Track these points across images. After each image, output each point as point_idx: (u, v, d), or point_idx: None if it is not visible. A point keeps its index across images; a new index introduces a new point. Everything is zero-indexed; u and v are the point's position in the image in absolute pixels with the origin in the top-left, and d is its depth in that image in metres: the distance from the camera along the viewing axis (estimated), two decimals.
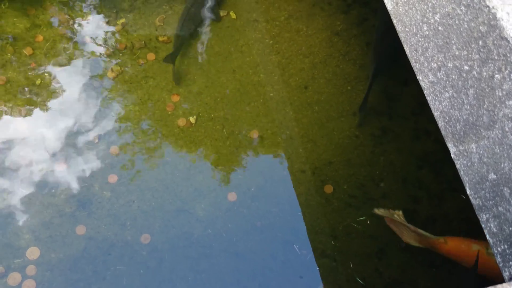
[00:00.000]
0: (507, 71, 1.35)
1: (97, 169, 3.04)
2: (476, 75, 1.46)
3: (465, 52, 1.49)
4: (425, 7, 1.64)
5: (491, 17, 1.36)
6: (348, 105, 3.29)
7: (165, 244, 2.88)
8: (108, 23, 3.37)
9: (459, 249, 2.43)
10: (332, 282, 2.83)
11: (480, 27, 1.41)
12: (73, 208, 2.93)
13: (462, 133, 1.57)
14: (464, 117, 1.55)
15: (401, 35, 1.80)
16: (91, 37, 3.33)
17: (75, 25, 3.37)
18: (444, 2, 1.55)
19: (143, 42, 3.32)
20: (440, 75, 1.62)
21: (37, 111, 3.14)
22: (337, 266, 2.87)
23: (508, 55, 1.32)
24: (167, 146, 3.16)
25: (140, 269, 2.82)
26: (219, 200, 3.02)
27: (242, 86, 3.32)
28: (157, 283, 2.78)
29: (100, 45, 3.32)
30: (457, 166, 1.64)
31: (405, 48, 1.80)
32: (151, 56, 3.31)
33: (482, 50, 1.41)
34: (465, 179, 1.60)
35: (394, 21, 1.82)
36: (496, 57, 1.38)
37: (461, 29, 1.49)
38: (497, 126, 1.41)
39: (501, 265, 1.46)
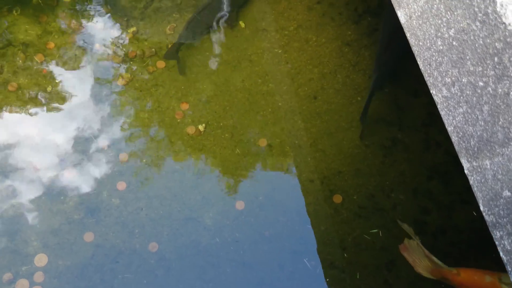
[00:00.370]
0: None
1: (106, 176, 3.05)
2: (491, 92, 1.45)
3: (480, 68, 1.48)
4: (440, 21, 1.63)
5: (507, 34, 1.35)
6: (357, 115, 3.28)
7: (173, 252, 2.88)
8: (119, 31, 3.38)
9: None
10: None
11: (496, 44, 1.40)
12: (81, 215, 2.94)
13: (476, 149, 1.56)
14: (478, 133, 1.53)
15: (415, 49, 1.79)
16: (101, 45, 3.35)
17: (86, 33, 3.38)
18: (459, 18, 1.54)
19: (153, 50, 3.34)
20: (454, 90, 1.61)
21: (47, 118, 3.15)
22: (345, 278, 2.85)
23: None
24: (176, 154, 3.16)
25: (147, 278, 2.82)
26: (227, 209, 3.02)
27: (251, 95, 3.32)
28: None
29: (111, 52, 3.34)
30: (471, 182, 1.63)
31: (418, 62, 1.79)
32: (161, 64, 3.32)
33: (497, 66, 1.40)
34: (478, 195, 1.58)
35: (408, 35, 1.82)
36: None
37: (476, 45, 1.48)
38: None
39: None
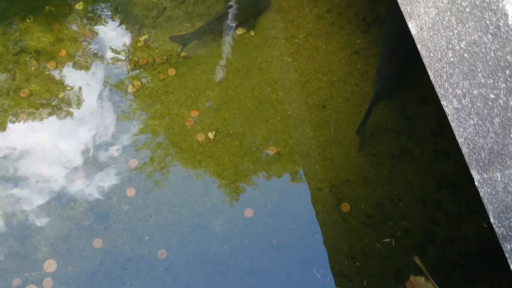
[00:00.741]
0: None
1: (116, 182, 3.07)
2: (502, 104, 1.46)
3: (491, 81, 1.49)
4: (451, 33, 1.64)
5: None
6: (367, 123, 3.28)
7: (181, 260, 2.89)
8: (130, 39, 3.42)
9: None
10: None
11: (508, 57, 1.40)
12: (90, 221, 2.95)
13: (486, 161, 1.56)
14: (489, 145, 1.54)
15: (425, 60, 1.80)
16: (113, 52, 3.39)
17: (98, 41, 3.42)
18: (470, 30, 1.55)
19: (164, 57, 3.37)
20: (465, 102, 1.61)
21: (58, 124, 3.18)
22: (353, 287, 2.84)
23: None
24: (185, 160, 3.18)
25: (155, 285, 2.83)
26: (236, 216, 3.03)
27: (260, 103, 3.34)
28: None
29: (122, 60, 3.37)
30: (481, 194, 1.63)
31: (429, 73, 1.79)
32: (171, 72, 3.35)
33: (509, 79, 1.41)
34: (488, 207, 1.58)
35: (418, 46, 1.83)
36: None
37: (488, 58, 1.49)
38: None
39: None
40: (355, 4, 3.59)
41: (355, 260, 2.91)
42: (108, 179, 3.07)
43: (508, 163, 1.46)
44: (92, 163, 3.10)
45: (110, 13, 3.50)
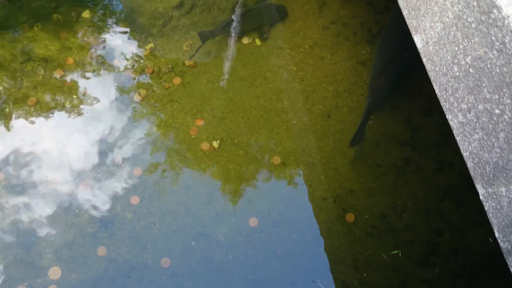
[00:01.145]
0: None
1: (120, 190, 3.08)
2: (507, 119, 1.47)
3: (497, 96, 1.50)
4: (456, 48, 1.65)
5: None
6: (371, 134, 3.29)
7: (185, 268, 2.89)
8: (137, 47, 3.44)
9: None
10: None
11: None
12: (95, 228, 2.97)
13: (491, 175, 1.57)
14: (494, 160, 1.54)
15: (431, 74, 1.81)
16: (120, 61, 3.41)
17: (105, 49, 3.45)
18: (476, 46, 1.56)
19: (170, 66, 3.39)
20: (470, 117, 1.62)
21: (64, 132, 3.20)
22: None
23: None
24: (190, 169, 3.19)
25: None
26: (240, 225, 3.03)
27: (265, 112, 3.35)
28: None
29: (128, 68, 3.39)
30: (486, 208, 1.63)
31: (434, 87, 1.80)
32: (177, 81, 3.37)
33: None
34: (493, 221, 1.59)
35: (424, 60, 1.84)
36: None
37: (493, 73, 1.50)
38: None
39: None
40: (361, 15, 3.61)
41: (359, 271, 2.91)
42: (112, 187, 3.08)
43: None
44: (97, 171, 3.12)
45: (117, 21, 3.53)
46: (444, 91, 1.73)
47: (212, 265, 2.90)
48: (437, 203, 3.10)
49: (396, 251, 2.96)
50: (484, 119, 1.56)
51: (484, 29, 1.52)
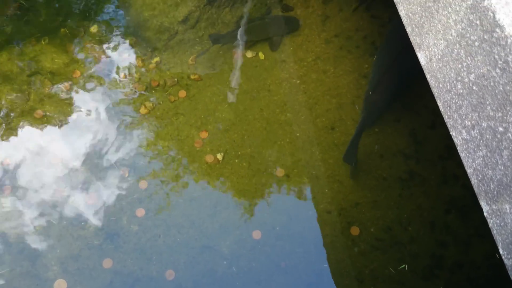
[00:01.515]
0: None
1: (126, 203, 3.10)
2: (511, 137, 1.48)
3: (500, 114, 1.51)
4: (460, 66, 1.67)
5: None
6: (375, 146, 3.30)
7: (189, 281, 2.90)
8: (143, 61, 3.48)
9: None
10: None
11: None
12: (101, 240, 2.98)
13: (495, 192, 1.58)
14: (498, 177, 1.55)
15: (434, 90, 1.83)
16: (126, 74, 3.44)
17: (111, 63, 3.49)
18: (479, 64, 1.58)
19: (175, 79, 3.42)
20: (474, 134, 1.64)
21: (70, 145, 3.23)
22: None
23: None
24: (194, 181, 3.21)
25: None
26: (244, 238, 3.04)
27: (269, 124, 3.37)
28: None
29: (134, 82, 3.43)
30: (490, 225, 1.64)
31: (438, 103, 1.82)
32: (182, 93, 3.40)
33: None
34: (497, 238, 1.59)
35: (428, 76, 1.86)
36: None
37: (496, 91, 1.52)
38: None
39: None
40: (364, 28, 3.63)
41: (364, 284, 2.91)
42: (118, 200, 3.10)
43: None
44: (103, 183, 3.14)
45: (123, 35, 3.57)
46: (448, 108, 1.75)
47: (216, 277, 2.91)
48: (442, 216, 3.10)
49: (403, 266, 2.95)
50: (488, 136, 1.58)
51: (487, 48, 1.54)
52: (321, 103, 3.44)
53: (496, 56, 1.51)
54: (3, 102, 3.28)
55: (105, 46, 3.52)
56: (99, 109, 3.34)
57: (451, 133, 1.77)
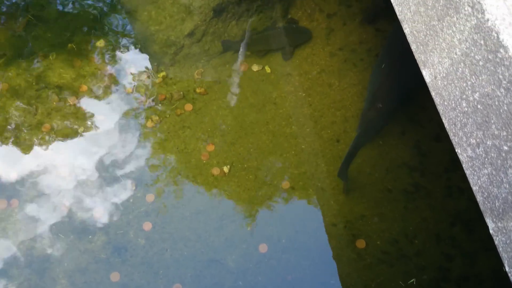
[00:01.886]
0: None
1: (133, 216, 3.13)
2: None
3: (505, 133, 1.53)
4: (464, 84, 1.69)
5: None
6: (380, 159, 3.32)
7: None
8: (149, 75, 3.52)
9: None
10: None
11: None
12: (108, 254, 3.00)
13: (501, 210, 1.59)
14: (503, 195, 1.57)
15: (439, 108, 1.85)
16: (132, 88, 3.48)
17: (118, 77, 3.52)
18: (483, 83, 1.60)
19: (181, 93, 3.45)
20: (479, 152, 1.65)
21: (78, 158, 3.26)
22: None
23: None
24: (201, 194, 3.23)
25: None
26: (250, 251, 3.06)
27: (275, 137, 3.39)
28: None
29: (141, 96, 3.46)
30: (496, 242, 1.65)
31: (443, 121, 1.84)
32: (188, 107, 3.43)
33: None
34: (503, 255, 1.60)
35: (433, 94, 1.88)
36: None
37: (501, 110, 1.54)
38: None
39: None
40: (368, 41, 3.66)
41: None
42: (125, 213, 3.13)
43: None
44: (110, 196, 3.16)
45: (130, 50, 3.61)
46: (453, 125, 1.76)
47: None
48: (447, 228, 3.11)
49: (412, 280, 2.96)
50: (493, 154, 1.59)
51: (492, 67, 1.56)
52: (326, 115, 3.47)
53: (501, 76, 1.53)
54: (11, 116, 3.32)
55: (111, 60, 3.56)
56: (106, 122, 3.37)
57: (456, 150, 1.78)
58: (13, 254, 2.96)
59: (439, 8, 1.79)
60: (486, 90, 1.59)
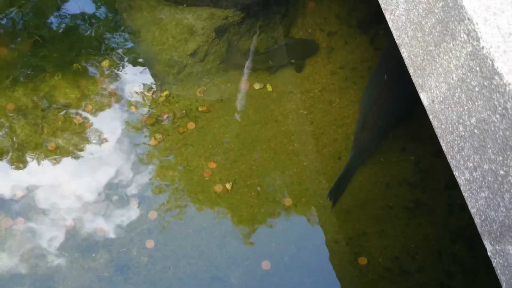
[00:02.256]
0: None
1: (136, 234, 3.15)
2: (511, 181, 1.53)
3: (501, 158, 1.56)
4: (461, 109, 1.73)
5: None
6: (381, 176, 3.35)
7: None
8: (153, 94, 3.57)
9: None
10: None
11: None
12: (111, 272, 3.03)
13: (498, 233, 1.62)
14: (500, 218, 1.60)
15: (437, 131, 1.88)
16: (136, 107, 3.53)
17: (122, 96, 3.58)
18: (479, 108, 1.64)
19: (184, 111, 3.50)
20: (476, 175, 1.69)
21: (83, 177, 3.30)
22: None
23: None
24: (203, 211, 3.26)
25: None
26: (253, 269, 3.07)
27: (277, 154, 3.43)
28: None
29: (145, 114, 3.51)
30: (494, 264, 1.68)
31: (441, 144, 1.87)
32: (191, 125, 3.47)
33: None
34: (501, 278, 1.63)
35: (430, 117, 1.91)
36: None
37: (497, 136, 1.57)
38: None
39: None
40: (368, 59, 3.71)
41: None
42: (128, 231, 3.15)
43: None
44: (113, 214, 3.20)
45: (134, 70, 3.67)
46: (451, 149, 1.80)
47: None
48: (449, 245, 3.13)
49: None
50: (489, 178, 1.62)
51: (487, 94, 1.60)
52: (328, 133, 3.51)
53: (496, 102, 1.56)
54: (18, 136, 3.37)
55: (116, 80, 3.61)
56: (110, 141, 3.42)
57: (454, 173, 1.82)
58: (18, 272, 2.99)
59: (436, 34, 1.84)
60: (482, 115, 1.62)
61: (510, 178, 1.53)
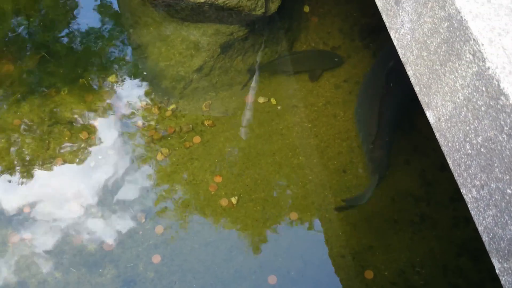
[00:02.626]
0: None
1: (142, 249, 3.16)
2: None
3: (508, 177, 1.58)
4: (468, 128, 1.75)
5: None
6: (387, 189, 3.36)
7: None
8: (159, 109, 3.60)
9: None
10: None
11: None
12: None
13: (506, 251, 1.63)
14: (508, 236, 1.61)
15: (444, 148, 1.90)
16: (143, 122, 3.56)
17: (129, 111, 3.60)
18: (486, 127, 1.66)
19: (190, 126, 3.53)
20: (483, 193, 1.70)
21: (89, 192, 3.32)
22: None
23: None
24: (209, 226, 3.27)
25: None
26: (260, 283, 3.08)
27: (282, 168, 3.45)
28: None
29: (151, 129, 3.54)
30: (502, 282, 1.69)
31: (448, 161, 1.89)
32: (197, 139, 3.50)
33: None
34: None
35: (437, 135, 1.93)
36: None
37: (503, 155, 1.59)
38: None
39: None
40: None
41: None
42: (135, 245, 3.17)
43: None
44: (120, 229, 3.21)
45: (140, 85, 3.70)
46: (458, 167, 1.82)
47: None
48: (454, 258, 3.13)
49: None
50: (497, 197, 1.64)
51: (493, 113, 1.62)
52: (332, 146, 3.53)
53: (502, 122, 1.58)
54: (24, 151, 3.40)
55: (122, 95, 3.65)
56: (117, 156, 3.44)
57: (461, 191, 1.83)
58: None
59: (441, 54, 1.86)
60: (488, 134, 1.64)
61: None
